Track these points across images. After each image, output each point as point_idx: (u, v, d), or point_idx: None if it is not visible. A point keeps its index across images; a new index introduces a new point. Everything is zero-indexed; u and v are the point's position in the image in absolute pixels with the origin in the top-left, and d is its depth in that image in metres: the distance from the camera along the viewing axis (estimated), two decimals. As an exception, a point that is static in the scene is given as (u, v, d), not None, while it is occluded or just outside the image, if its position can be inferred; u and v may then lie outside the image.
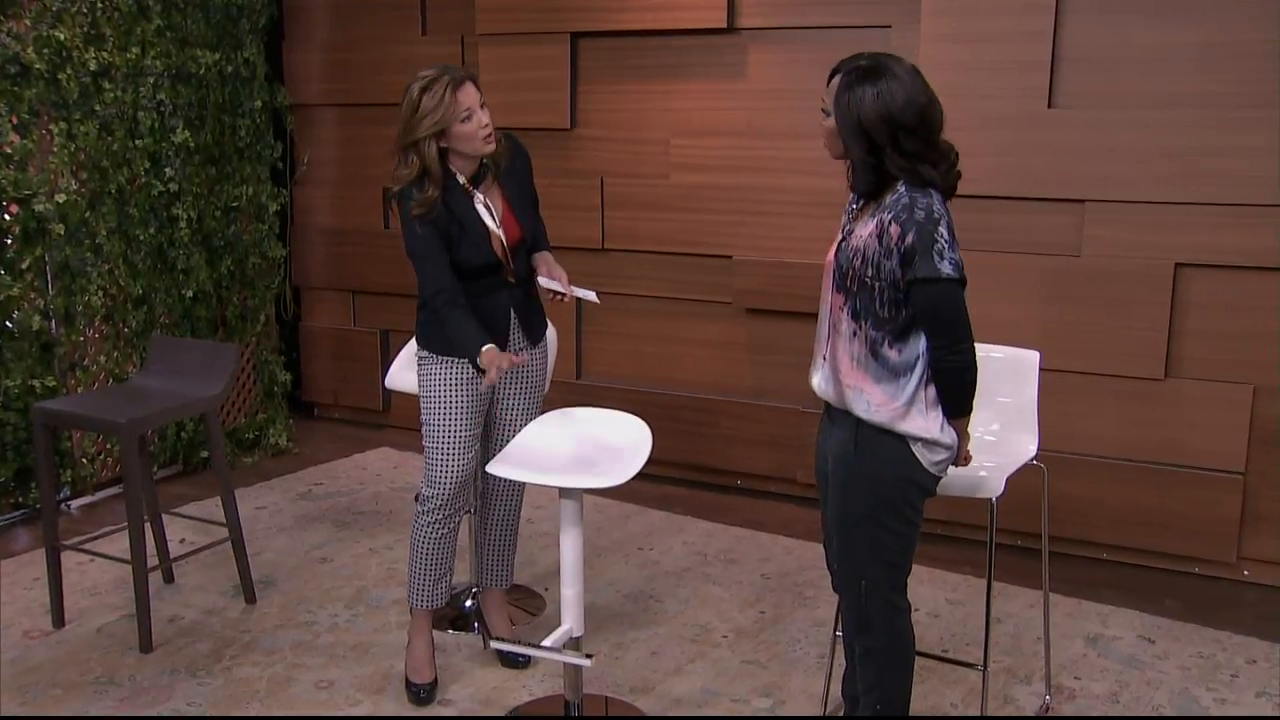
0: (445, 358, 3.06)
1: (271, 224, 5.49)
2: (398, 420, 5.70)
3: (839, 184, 2.54)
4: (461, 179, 2.98)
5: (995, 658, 3.29)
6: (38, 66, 4.25)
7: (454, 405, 3.07)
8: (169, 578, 3.84)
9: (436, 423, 3.08)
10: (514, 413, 3.23)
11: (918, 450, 2.40)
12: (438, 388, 3.07)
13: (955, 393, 2.40)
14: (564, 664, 2.87)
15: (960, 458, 2.51)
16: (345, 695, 3.14)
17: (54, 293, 4.42)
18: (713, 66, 4.65)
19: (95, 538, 3.96)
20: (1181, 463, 3.92)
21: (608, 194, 4.90)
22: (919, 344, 2.38)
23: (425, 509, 3.13)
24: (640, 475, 2.68)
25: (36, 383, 4.31)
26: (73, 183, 4.42)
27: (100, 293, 4.57)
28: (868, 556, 2.48)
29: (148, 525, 3.59)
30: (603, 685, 3.19)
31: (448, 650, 3.39)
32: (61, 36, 4.33)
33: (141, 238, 4.74)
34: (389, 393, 4.99)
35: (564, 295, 3.08)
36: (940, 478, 2.48)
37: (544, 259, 3.17)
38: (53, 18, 4.32)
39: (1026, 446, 3.00)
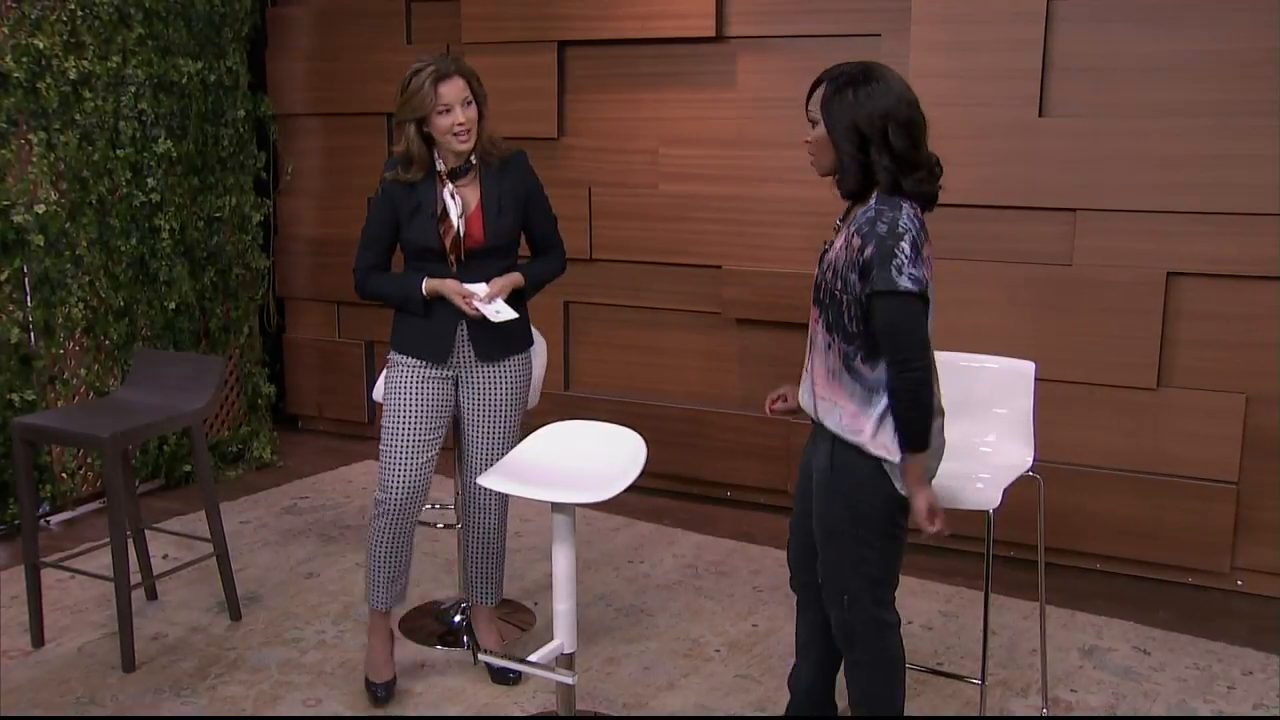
0: (412, 360, 3.07)
1: (255, 235, 5.43)
2: (383, 432, 5.64)
3: (829, 194, 2.53)
4: (441, 167, 3.00)
5: (991, 670, 3.26)
6: (16, 75, 4.19)
7: (411, 409, 3.07)
8: (152, 595, 3.78)
9: (392, 426, 3.09)
10: (481, 429, 3.19)
11: (890, 470, 2.39)
12: (398, 390, 3.09)
13: (908, 413, 2.32)
14: (555, 680, 2.83)
15: (921, 513, 2.35)
16: (333, 713, 3.09)
17: (33, 305, 4.35)
18: (701, 75, 4.63)
19: (76, 554, 3.89)
20: (1174, 472, 3.90)
21: (596, 204, 4.86)
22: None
23: (378, 512, 3.13)
24: (629, 487, 2.65)
25: (15, 396, 4.24)
26: (52, 193, 4.36)
27: (81, 305, 4.51)
28: (850, 570, 2.48)
29: (130, 541, 3.52)
30: (595, 701, 3.15)
31: (438, 667, 3.34)
32: (40, 45, 4.27)
33: (123, 249, 4.67)
34: (374, 405, 4.94)
35: (481, 304, 2.97)
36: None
37: (509, 273, 3.09)
38: (31, 25, 4.26)
39: (1023, 458, 2.98)
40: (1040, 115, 3.93)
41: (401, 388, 3.08)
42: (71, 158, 4.42)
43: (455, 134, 2.91)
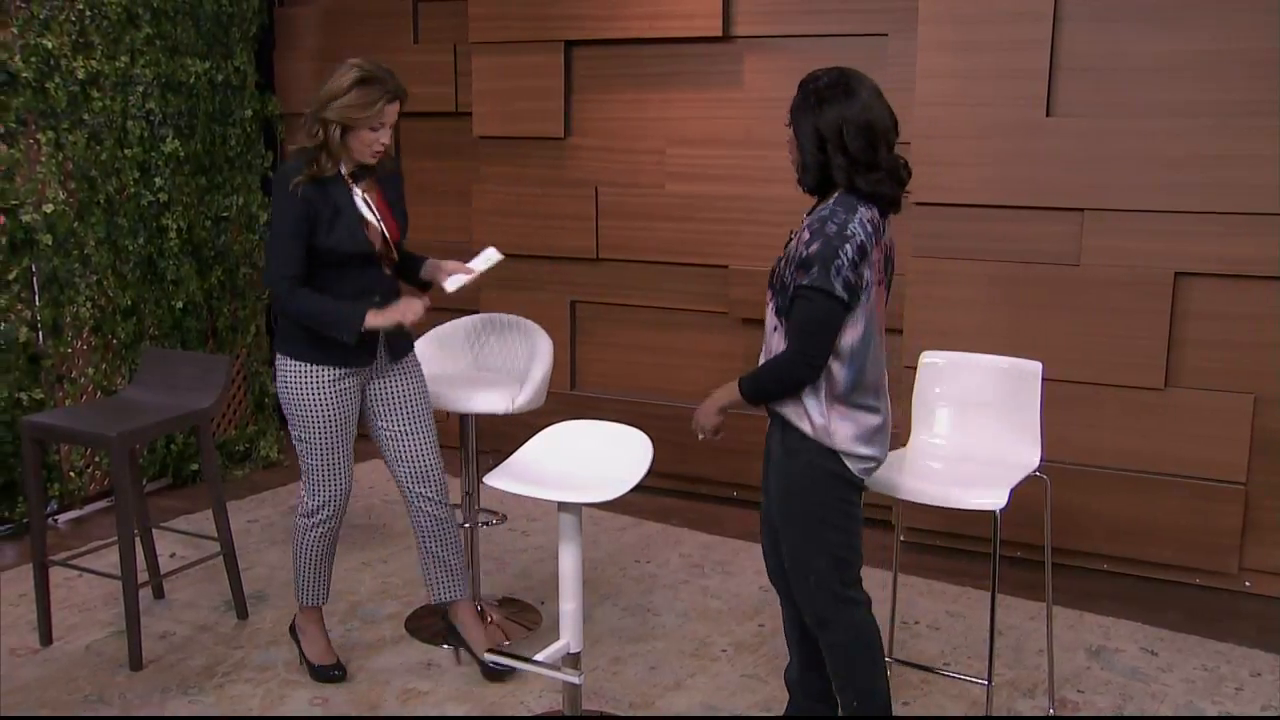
0: (325, 369, 3.03)
1: (262, 234, 5.43)
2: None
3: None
4: (344, 170, 3.00)
5: (997, 671, 3.26)
6: (25, 75, 4.20)
7: (339, 421, 3.09)
8: (159, 593, 3.79)
9: (314, 440, 3.08)
10: (408, 425, 3.21)
11: (840, 452, 2.48)
12: (320, 403, 3.05)
13: (771, 384, 2.50)
14: (561, 680, 2.83)
15: (707, 417, 2.65)
16: (340, 713, 3.09)
17: (41, 304, 4.36)
18: (708, 75, 4.63)
19: (84, 553, 3.90)
20: (1182, 473, 3.90)
21: (603, 203, 4.87)
22: (841, 360, 2.44)
23: (315, 520, 3.16)
24: (636, 487, 2.65)
25: (24, 395, 4.25)
26: (61, 193, 4.37)
27: (89, 304, 4.52)
28: (812, 551, 2.55)
29: (137, 540, 3.53)
30: (601, 700, 3.15)
31: (444, 666, 3.34)
32: (49, 45, 4.28)
33: (130, 248, 4.69)
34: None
35: (469, 273, 3.16)
36: (864, 479, 2.55)
37: (433, 263, 3.23)
38: (40, 26, 4.27)
39: (1029, 458, 2.97)
40: (1047, 115, 3.92)
41: (323, 400, 3.04)
42: (80, 157, 4.44)
43: (373, 151, 2.94)
